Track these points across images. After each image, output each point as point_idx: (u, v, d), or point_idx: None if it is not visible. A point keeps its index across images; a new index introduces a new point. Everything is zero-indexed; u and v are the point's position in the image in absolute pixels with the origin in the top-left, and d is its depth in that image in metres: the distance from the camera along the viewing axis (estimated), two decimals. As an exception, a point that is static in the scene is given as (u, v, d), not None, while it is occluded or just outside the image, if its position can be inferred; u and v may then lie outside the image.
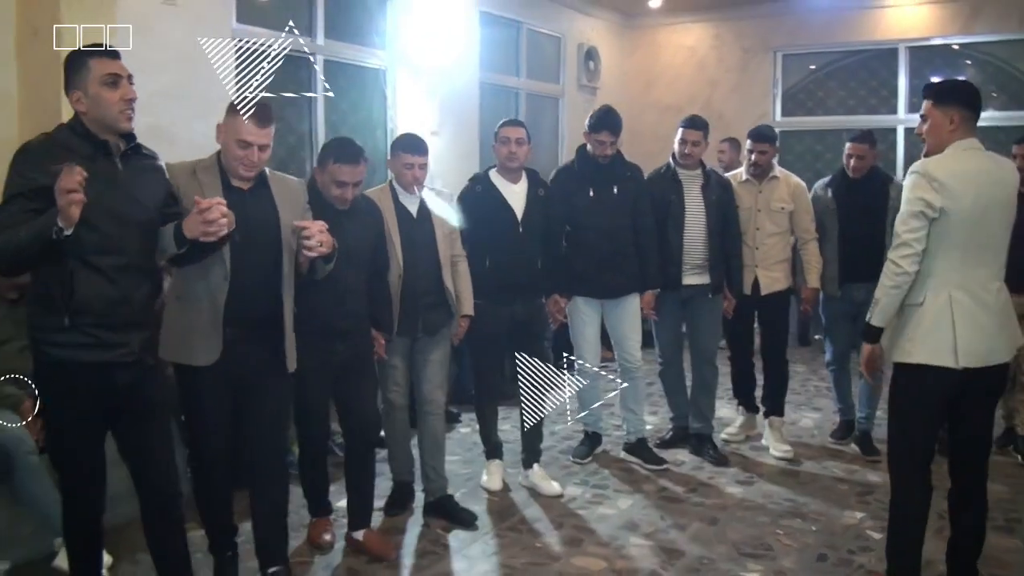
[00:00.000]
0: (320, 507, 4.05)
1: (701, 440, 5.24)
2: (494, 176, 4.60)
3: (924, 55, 8.59)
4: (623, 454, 5.14)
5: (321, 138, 6.24)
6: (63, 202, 2.54)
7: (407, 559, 3.85)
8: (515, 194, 4.56)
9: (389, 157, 4.27)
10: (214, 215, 2.81)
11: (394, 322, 4.06)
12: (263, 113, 3.25)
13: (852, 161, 5.15)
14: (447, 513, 4.22)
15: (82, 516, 3.07)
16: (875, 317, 3.23)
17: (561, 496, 4.50)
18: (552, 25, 8.69)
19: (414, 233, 4.14)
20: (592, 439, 5.20)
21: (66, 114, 4.13)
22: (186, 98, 5.11)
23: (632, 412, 5.10)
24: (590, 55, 9.07)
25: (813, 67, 9.19)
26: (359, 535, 3.88)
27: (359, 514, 3.92)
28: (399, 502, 4.35)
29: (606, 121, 4.80)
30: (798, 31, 8.90)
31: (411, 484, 4.39)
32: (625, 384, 5.02)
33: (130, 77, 2.94)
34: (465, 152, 7.22)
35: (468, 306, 4.33)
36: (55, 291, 2.79)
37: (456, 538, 4.04)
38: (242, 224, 3.08)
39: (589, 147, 4.86)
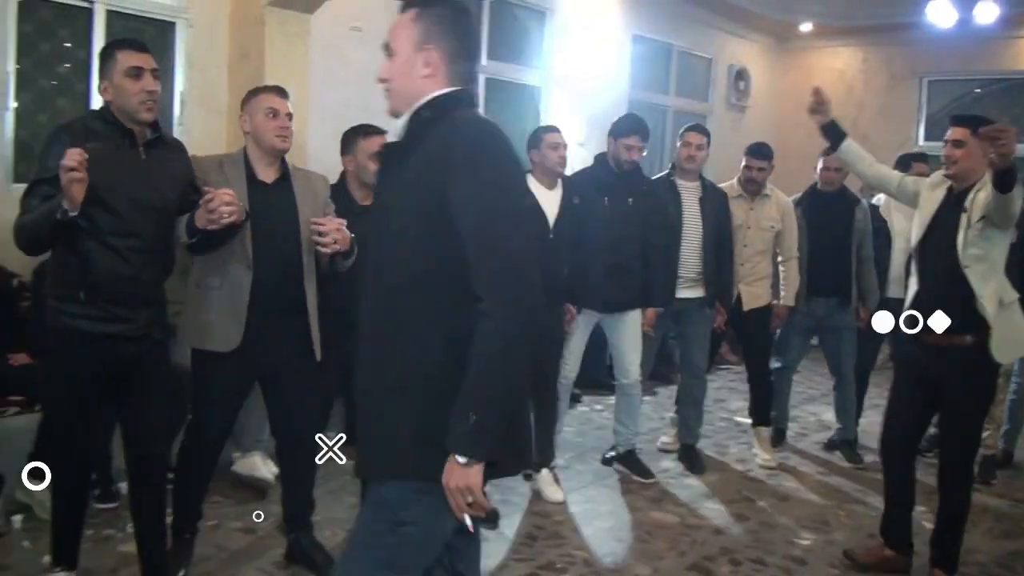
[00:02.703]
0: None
1: (687, 450, 5.28)
2: (530, 180, 4.46)
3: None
4: (615, 465, 5.08)
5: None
6: (64, 180, 2.64)
7: (518, 499, 4.53)
8: (549, 200, 4.53)
9: None
10: (215, 204, 2.94)
11: None
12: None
13: (827, 174, 5.27)
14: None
15: (70, 481, 3.18)
16: None
17: (562, 503, 4.53)
18: (703, 47, 9.22)
19: None
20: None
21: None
22: (365, 108, 5.99)
23: (624, 426, 4.99)
24: (740, 75, 9.56)
25: (979, 90, 9.36)
26: None
27: None
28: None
29: (636, 126, 4.76)
30: (944, 58, 9.13)
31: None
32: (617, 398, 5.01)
33: (154, 71, 3.04)
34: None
35: None
36: (72, 267, 2.94)
37: (566, 483, 4.74)
38: (264, 216, 3.29)
39: (615, 153, 4.73)
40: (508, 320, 1.89)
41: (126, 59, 2.98)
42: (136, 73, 2.97)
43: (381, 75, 2.14)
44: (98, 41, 4.97)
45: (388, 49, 2.13)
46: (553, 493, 4.59)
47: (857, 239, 5.32)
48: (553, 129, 4.65)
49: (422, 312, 1.99)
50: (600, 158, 4.90)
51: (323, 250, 3.27)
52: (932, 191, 3.78)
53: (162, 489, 3.28)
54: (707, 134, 5.13)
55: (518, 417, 2.10)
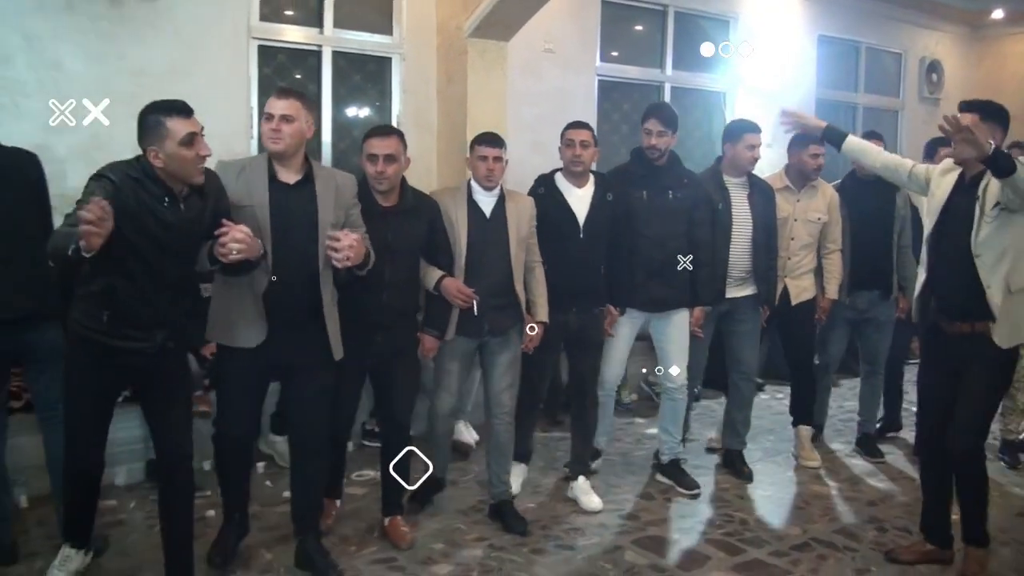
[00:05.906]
0: (331, 488, 4.03)
1: (732, 456, 5.08)
2: (559, 179, 4.35)
3: None
4: (658, 476, 4.87)
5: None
6: (81, 229, 2.57)
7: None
8: (579, 198, 4.29)
9: (468, 155, 4.19)
10: (225, 239, 2.98)
11: (447, 322, 3.99)
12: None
13: None
14: (501, 518, 4.17)
15: (81, 468, 3.27)
16: None
17: (599, 511, 4.38)
18: (892, 42, 9.30)
19: (485, 233, 4.02)
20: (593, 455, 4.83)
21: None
22: (557, 122, 6.65)
23: (669, 433, 4.77)
24: (933, 68, 9.53)
25: None
26: (386, 521, 4.00)
27: (387, 501, 4.02)
28: (427, 492, 4.31)
29: (654, 110, 4.55)
30: None
31: (442, 480, 4.41)
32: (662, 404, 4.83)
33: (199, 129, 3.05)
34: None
35: (544, 312, 4.19)
36: (99, 295, 3.01)
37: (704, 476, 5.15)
38: (284, 217, 3.32)
39: (642, 141, 4.54)
40: None
41: (178, 127, 2.99)
42: (190, 140, 3.00)
43: None
44: (327, 78, 5.93)
45: None
46: (589, 502, 4.43)
47: (898, 227, 5.18)
48: (576, 125, 4.38)
49: None
50: (635, 152, 4.66)
51: (336, 264, 3.29)
52: (943, 177, 3.71)
53: (190, 485, 3.36)
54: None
55: None
